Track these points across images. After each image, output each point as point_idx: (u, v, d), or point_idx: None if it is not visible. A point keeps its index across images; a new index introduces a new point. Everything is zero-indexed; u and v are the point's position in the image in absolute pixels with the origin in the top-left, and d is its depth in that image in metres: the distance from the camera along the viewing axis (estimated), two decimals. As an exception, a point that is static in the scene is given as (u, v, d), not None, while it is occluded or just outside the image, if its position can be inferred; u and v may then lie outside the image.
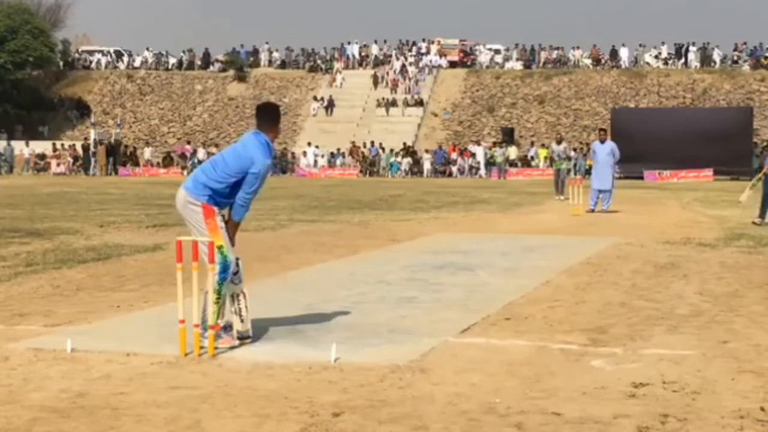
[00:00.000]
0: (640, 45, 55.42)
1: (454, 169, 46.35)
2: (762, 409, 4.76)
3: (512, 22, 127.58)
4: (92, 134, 48.20)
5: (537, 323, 7.07)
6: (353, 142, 48.95)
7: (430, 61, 56.47)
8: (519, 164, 46.29)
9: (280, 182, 34.83)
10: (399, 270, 10.21)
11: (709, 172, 41.15)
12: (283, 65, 58.63)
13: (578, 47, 56.60)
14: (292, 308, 7.59)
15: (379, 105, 52.80)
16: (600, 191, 19.67)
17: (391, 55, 57.92)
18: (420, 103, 52.89)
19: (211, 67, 58.97)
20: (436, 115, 52.84)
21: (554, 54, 56.04)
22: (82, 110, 56.11)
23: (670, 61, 53.94)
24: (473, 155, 46.85)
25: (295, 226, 15.75)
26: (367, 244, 13.01)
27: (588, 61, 55.22)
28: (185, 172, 41.71)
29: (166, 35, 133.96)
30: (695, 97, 50.53)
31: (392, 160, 47.15)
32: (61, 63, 60.84)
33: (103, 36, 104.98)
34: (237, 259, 6.24)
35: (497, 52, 57.23)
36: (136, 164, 49.38)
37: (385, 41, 60.09)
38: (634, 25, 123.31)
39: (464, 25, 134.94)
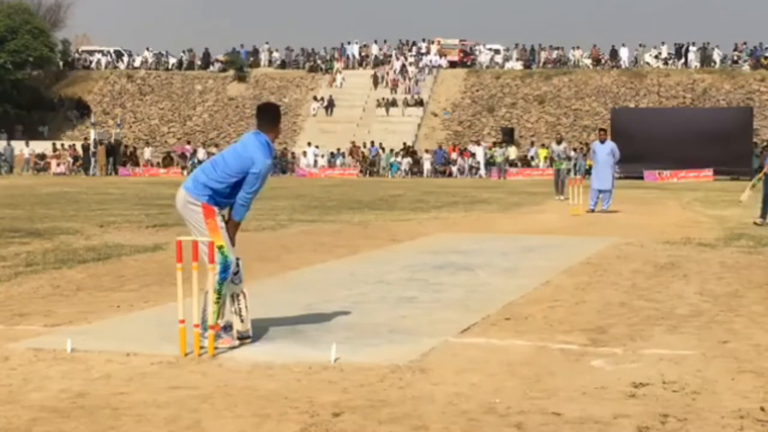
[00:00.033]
0: (640, 45, 55.50)
1: (454, 169, 46.35)
2: (762, 409, 4.76)
3: (512, 22, 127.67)
4: (92, 134, 48.21)
5: (537, 323, 7.07)
6: (353, 142, 48.95)
7: (430, 61, 56.47)
8: (519, 164, 46.30)
9: (280, 182, 34.83)
10: (399, 270, 10.21)
11: (709, 172, 41.15)
12: (283, 65, 58.63)
13: (578, 47, 56.66)
14: (292, 308, 7.59)
15: (379, 105, 52.81)
16: (600, 191, 19.67)
17: (391, 55, 57.92)
18: (420, 103, 52.89)
19: (211, 67, 58.97)
20: (436, 115, 52.84)
21: (554, 54, 56.04)
22: (82, 110, 56.12)
23: (670, 61, 53.95)
24: (473, 155, 46.86)
25: (295, 226, 15.75)
26: (367, 244, 13.01)
27: (588, 61, 55.23)
28: (185, 172, 41.71)
29: (166, 35, 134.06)
30: (695, 97, 50.53)
31: (392, 160, 47.16)
32: (60, 63, 60.83)
33: (103, 36, 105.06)
34: (237, 259, 6.24)
35: (497, 52, 57.23)
36: (136, 164, 49.39)
37: (385, 41, 60.19)
38: (634, 25, 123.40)
39: (464, 25, 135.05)
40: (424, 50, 57.89)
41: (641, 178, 40.22)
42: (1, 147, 48.55)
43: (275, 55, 59.30)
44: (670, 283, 9.16)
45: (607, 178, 19.65)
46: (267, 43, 60.33)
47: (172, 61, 60.65)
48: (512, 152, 45.70)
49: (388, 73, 55.66)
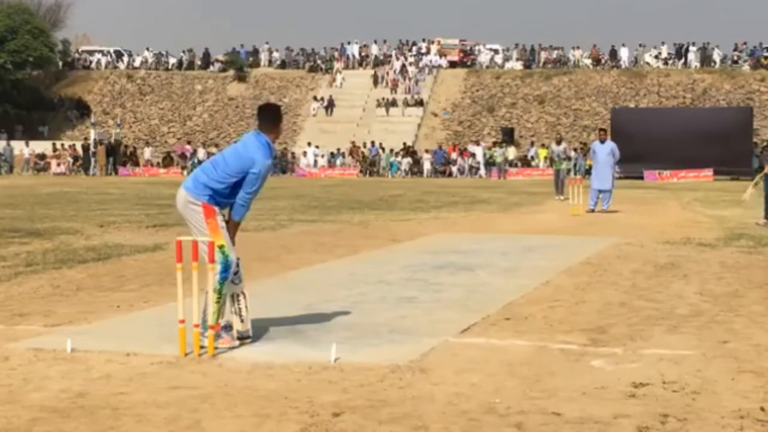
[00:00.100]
0: (640, 45, 55.50)
1: (454, 169, 46.36)
2: (762, 409, 4.76)
3: (512, 22, 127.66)
4: (92, 134, 48.21)
5: (537, 323, 7.07)
6: (353, 142, 48.96)
7: (430, 61, 56.47)
8: (519, 164, 46.31)
9: (280, 182, 34.83)
10: (399, 270, 10.21)
11: (709, 172, 41.16)
12: (283, 65, 58.63)
13: (578, 47, 56.67)
14: (292, 308, 7.59)
15: (379, 105, 52.81)
16: (600, 191, 19.67)
17: (391, 55, 57.92)
18: (420, 103, 52.90)
19: (211, 67, 58.98)
20: (436, 115, 52.85)
21: (554, 54, 56.05)
22: (82, 110, 56.12)
23: (670, 61, 53.95)
24: (473, 155, 46.87)
25: (295, 226, 15.75)
26: (367, 244, 13.01)
27: (588, 61, 55.23)
28: (185, 172, 41.71)
29: (166, 35, 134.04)
30: (695, 97, 50.54)
31: (392, 160, 47.16)
32: (60, 63, 60.82)
33: (103, 36, 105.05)
34: (237, 258, 6.24)
35: (496, 52, 57.22)
36: (136, 164, 49.39)
37: (385, 41, 60.19)
38: (634, 25, 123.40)
39: (464, 25, 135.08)
40: (424, 50, 57.89)
41: (641, 178, 40.23)
42: (1, 147, 48.55)
43: (275, 55, 59.30)
44: (670, 283, 9.16)
45: (607, 178, 19.66)
46: (267, 43, 60.43)
47: (172, 61, 60.66)
48: (511, 152, 45.70)
49: (388, 73, 55.66)
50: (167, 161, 49.51)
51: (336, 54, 58.71)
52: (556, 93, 52.29)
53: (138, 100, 57.59)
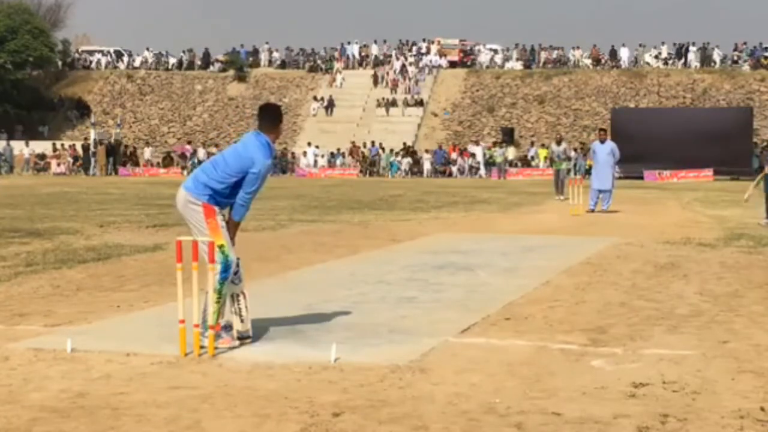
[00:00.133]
0: (640, 45, 55.48)
1: (454, 169, 46.36)
2: (762, 409, 4.76)
3: (512, 22, 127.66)
4: (92, 134, 48.21)
5: (537, 323, 7.07)
6: (353, 142, 48.96)
7: (430, 61, 56.47)
8: (519, 164, 46.31)
9: (280, 182, 34.83)
10: (399, 270, 10.21)
11: (709, 172, 41.15)
12: (283, 65, 58.63)
13: (578, 47, 56.65)
14: (292, 308, 7.59)
15: (379, 105, 52.81)
16: (600, 191, 19.68)
17: (391, 55, 57.92)
18: (420, 103, 52.90)
19: (211, 67, 58.97)
20: (436, 115, 52.85)
21: (554, 54, 56.04)
22: (82, 110, 56.12)
23: (670, 61, 53.94)
24: (473, 155, 46.88)
25: (295, 226, 15.75)
26: (367, 244, 13.01)
27: (588, 61, 55.22)
28: (185, 172, 41.70)
29: (166, 35, 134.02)
30: (695, 97, 50.53)
31: (392, 160, 47.17)
32: (60, 63, 60.82)
33: (103, 36, 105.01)
34: (237, 258, 6.25)
35: (495, 52, 57.20)
36: (136, 164, 49.39)
37: (385, 41, 60.17)
38: (634, 25, 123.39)
39: (464, 25, 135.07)
40: (424, 50, 57.88)
41: (641, 178, 40.23)
42: (1, 147, 48.55)
43: (275, 55, 59.29)
44: (670, 283, 9.16)
45: (607, 178, 19.66)
46: (267, 43, 60.41)
47: (172, 61, 60.64)
48: (511, 152, 45.70)
49: (388, 73, 55.66)
50: (167, 161, 49.51)
51: (336, 54, 58.69)
52: (556, 93, 52.29)
53: (138, 100, 57.59)
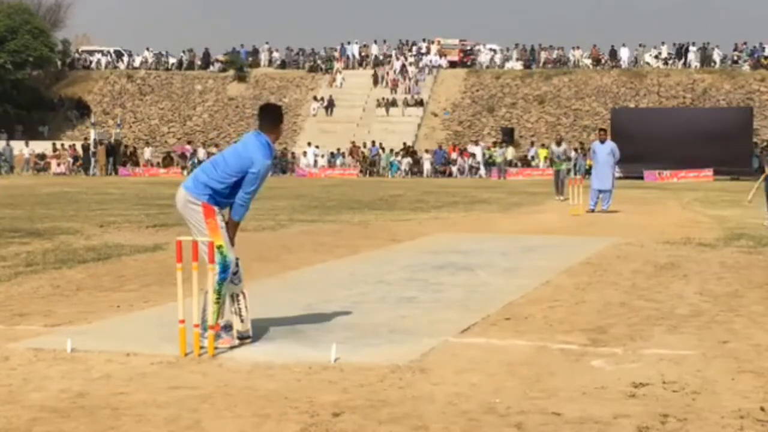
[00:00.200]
0: (640, 45, 55.46)
1: (454, 169, 46.36)
2: (762, 409, 4.76)
3: (512, 22, 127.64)
4: (92, 134, 48.21)
5: (537, 323, 7.07)
6: (353, 142, 48.96)
7: (430, 61, 56.47)
8: (519, 164, 46.31)
9: (280, 182, 34.83)
10: (399, 270, 10.21)
11: (709, 172, 41.15)
12: (283, 65, 58.62)
13: (578, 47, 56.63)
14: (292, 308, 7.59)
15: (379, 105, 52.81)
16: (600, 191, 19.68)
17: (391, 55, 57.91)
18: (420, 103, 52.90)
19: (211, 67, 58.96)
20: (436, 115, 52.84)
21: (554, 54, 56.04)
22: (82, 110, 56.11)
23: (670, 61, 53.94)
24: (473, 155, 46.89)
25: (295, 226, 15.75)
26: (367, 244, 13.01)
27: (588, 61, 55.21)
28: (185, 172, 41.70)
29: (166, 35, 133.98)
30: (695, 97, 50.53)
31: (392, 160, 47.17)
32: (60, 63, 60.81)
33: (103, 36, 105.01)
34: (237, 259, 6.25)
35: (495, 51, 57.17)
36: (136, 164, 49.39)
37: (385, 41, 60.14)
38: (634, 25, 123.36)
39: (464, 25, 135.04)
40: (424, 50, 57.87)
41: (641, 178, 40.23)
42: (1, 147, 48.55)
43: (275, 55, 59.28)
44: (670, 283, 9.16)
45: (607, 178, 19.66)
46: (267, 43, 60.38)
47: (172, 61, 60.64)
48: (510, 153, 45.71)
49: (388, 73, 55.66)
50: (167, 161, 49.50)
51: (336, 54, 58.69)
52: (556, 93, 52.29)
53: (138, 100, 57.59)
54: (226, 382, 5.28)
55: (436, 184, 36.84)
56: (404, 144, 48.52)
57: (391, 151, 47.74)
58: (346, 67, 57.33)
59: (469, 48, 57.63)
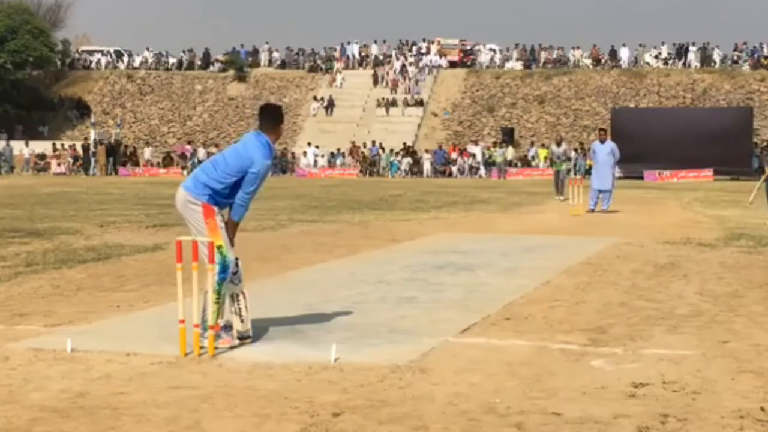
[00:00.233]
0: (640, 45, 55.47)
1: (454, 169, 46.37)
2: (762, 409, 4.76)
3: (512, 22, 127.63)
4: (92, 134, 48.21)
5: (537, 323, 7.07)
6: (353, 142, 48.96)
7: (430, 61, 56.47)
8: (519, 164, 46.31)
9: (280, 182, 34.82)
10: (399, 270, 10.21)
11: (709, 172, 41.16)
12: (283, 65, 58.62)
13: (578, 47, 56.64)
14: (292, 308, 7.59)
15: (379, 105, 52.82)
16: (600, 191, 19.68)
17: (391, 55, 57.92)
18: (420, 103, 52.90)
19: (211, 67, 58.96)
20: (436, 115, 52.85)
21: (554, 54, 56.04)
22: (82, 110, 56.11)
23: (670, 61, 53.94)
24: (473, 155, 46.90)
25: (295, 226, 15.75)
26: (367, 244, 13.01)
27: (588, 61, 55.22)
28: (185, 172, 41.69)
29: (166, 35, 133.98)
30: (695, 97, 50.53)
31: (392, 160, 47.17)
32: (60, 63, 60.80)
33: (103, 36, 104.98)
34: (236, 259, 6.24)
35: (495, 51, 57.16)
36: (136, 164, 49.39)
37: (384, 41, 60.14)
38: (634, 25, 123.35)
39: (464, 25, 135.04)
40: (424, 50, 57.87)
41: (641, 178, 40.23)
42: (0, 147, 48.55)
43: (275, 55, 59.28)
44: (670, 283, 9.16)
45: (607, 178, 19.66)
46: (267, 43, 60.39)
47: (172, 61, 60.64)
48: (509, 153, 45.72)
49: (388, 73, 55.66)
50: (167, 161, 49.51)
51: (336, 54, 58.69)
52: (556, 93, 52.29)
53: (138, 100, 57.59)
54: (226, 382, 5.28)
55: (436, 184, 36.84)
56: (404, 144, 48.53)
57: (391, 151, 47.74)
58: (346, 67, 57.33)
59: (469, 48, 57.63)
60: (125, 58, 61.23)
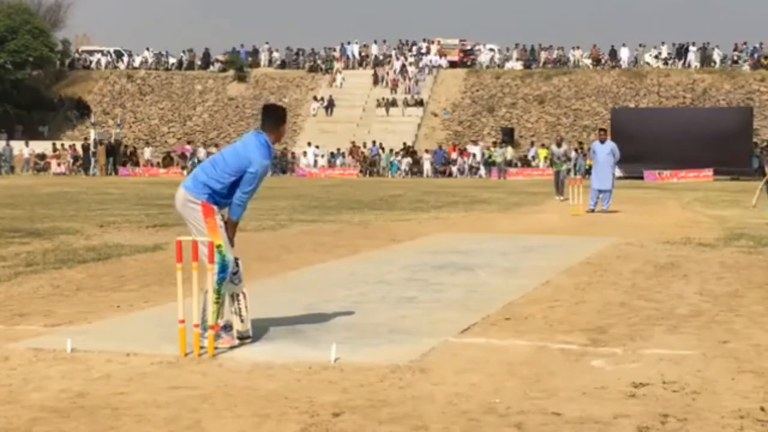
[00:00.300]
0: (640, 45, 55.45)
1: (454, 169, 46.36)
2: (762, 409, 4.76)
3: (512, 22, 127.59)
4: (92, 134, 48.20)
5: (537, 323, 7.07)
6: (353, 142, 48.96)
7: (430, 61, 56.46)
8: (519, 164, 46.31)
9: (280, 182, 34.83)
10: (399, 270, 10.21)
11: (709, 172, 41.14)
12: (283, 65, 58.62)
13: (578, 47, 56.62)
14: (292, 308, 7.59)
15: (379, 105, 52.81)
16: (600, 191, 19.68)
17: (391, 55, 57.91)
18: (420, 103, 52.90)
19: (211, 67, 58.96)
20: (436, 115, 52.84)
21: (554, 54, 56.03)
22: (82, 110, 56.11)
23: (670, 61, 53.94)
24: (473, 155, 46.90)
25: (295, 226, 15.75)
26: (367, 244, 13.01)
27: (588, 61, 55.21)
28: (185, 172, 41.68)
29: (166, 35, 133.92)
30: (695, 97, 50.53)
31: (392, 160, 47.17)
32: (60, 63, 60.79)
33: (103, 36, 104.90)
34: (236, 258, 6.24)
35: (494, 51, 57.16)
36: (136, 164, 49.38)
37: (384, 41, 60.12)
38: (634, 25, 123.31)
39: (464, 25, 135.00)
40: (424, 50, 57.86)
41: (641, 178, 40.22)
42: (0, 147, 48.54)
43: (275, 55, 59.27)
44: (670, 283, 9.16)
45: (607, 178, 19.66)
46: (267, 43, 60.37)
47: (172, 61, 60.62)
48: (509, 153, 45.71)
49: (388, 73, 55.66)
50: (167, 161, 49.50)
51: (336, 54, 58.68)
52: (556, 93, 52.29)
53: (138, 100, 57.58)
54: (226, 382, 5.28)
55: (436, 184, 36.84)
56: (404, 144, 48.53)
57: (391, 151, 47.74)
58: (346, 67, 57.32)
59: (469, 48, 57.62)
60: (125, 58, 61.22)
